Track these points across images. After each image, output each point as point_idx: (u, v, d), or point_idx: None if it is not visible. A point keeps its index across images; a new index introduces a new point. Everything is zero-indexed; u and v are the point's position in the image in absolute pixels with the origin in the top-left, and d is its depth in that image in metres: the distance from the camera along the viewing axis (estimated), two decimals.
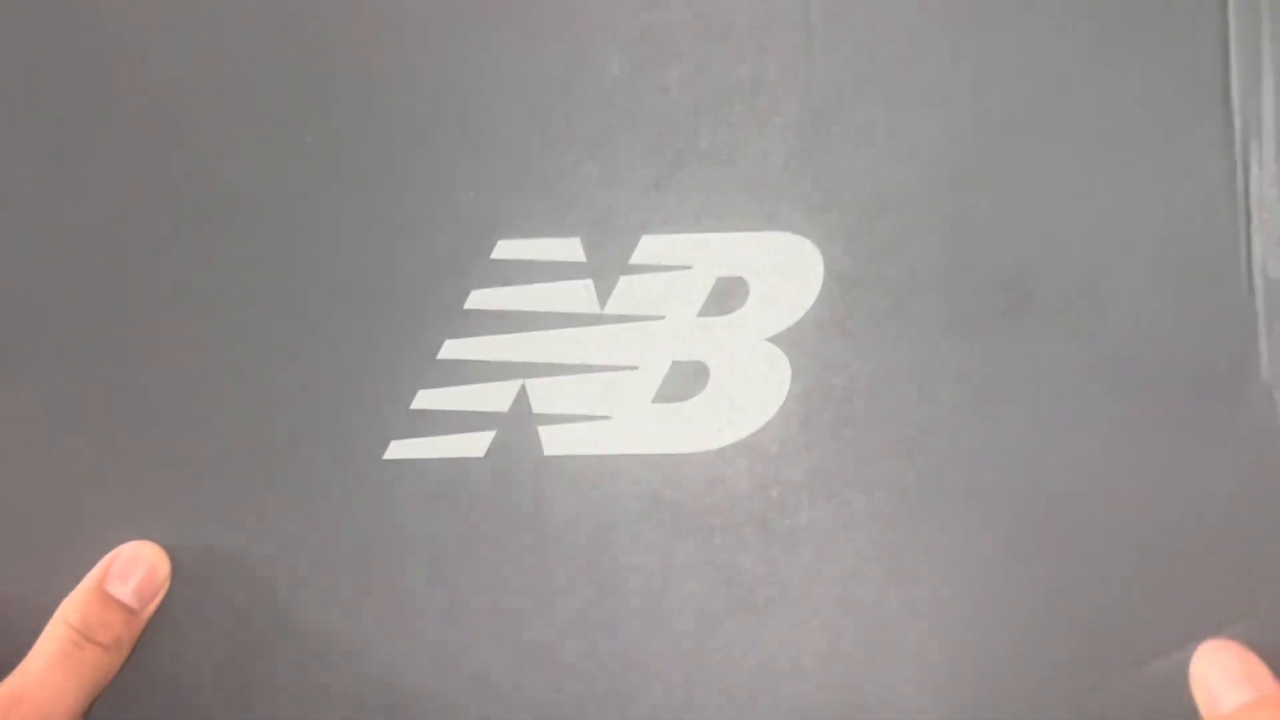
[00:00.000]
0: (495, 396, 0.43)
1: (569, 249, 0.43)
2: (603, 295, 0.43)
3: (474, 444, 0.43)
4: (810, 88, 0.43)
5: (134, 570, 0.43)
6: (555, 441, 0.43)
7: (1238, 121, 0.41)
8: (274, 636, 0.44)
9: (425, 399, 0.43)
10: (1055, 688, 0.41)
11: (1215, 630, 0.40)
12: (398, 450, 0.43)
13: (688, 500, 0.43)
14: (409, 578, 0.44)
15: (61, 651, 0.41)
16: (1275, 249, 0.40)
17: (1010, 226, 0.42)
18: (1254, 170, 0.41)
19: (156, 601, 0.43)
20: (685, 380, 0.43)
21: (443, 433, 0.43)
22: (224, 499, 0.44)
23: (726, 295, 0.43)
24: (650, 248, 0.43)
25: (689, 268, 0.43)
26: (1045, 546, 0.41)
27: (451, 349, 0.43)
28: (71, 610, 0.42)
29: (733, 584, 0.42)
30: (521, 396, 0.43)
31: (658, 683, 0.42)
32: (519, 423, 0.43)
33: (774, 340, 0.43)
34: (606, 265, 0.43)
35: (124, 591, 0.43)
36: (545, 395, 0.43)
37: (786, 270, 0.43)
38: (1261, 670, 0.39)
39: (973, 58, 0.42)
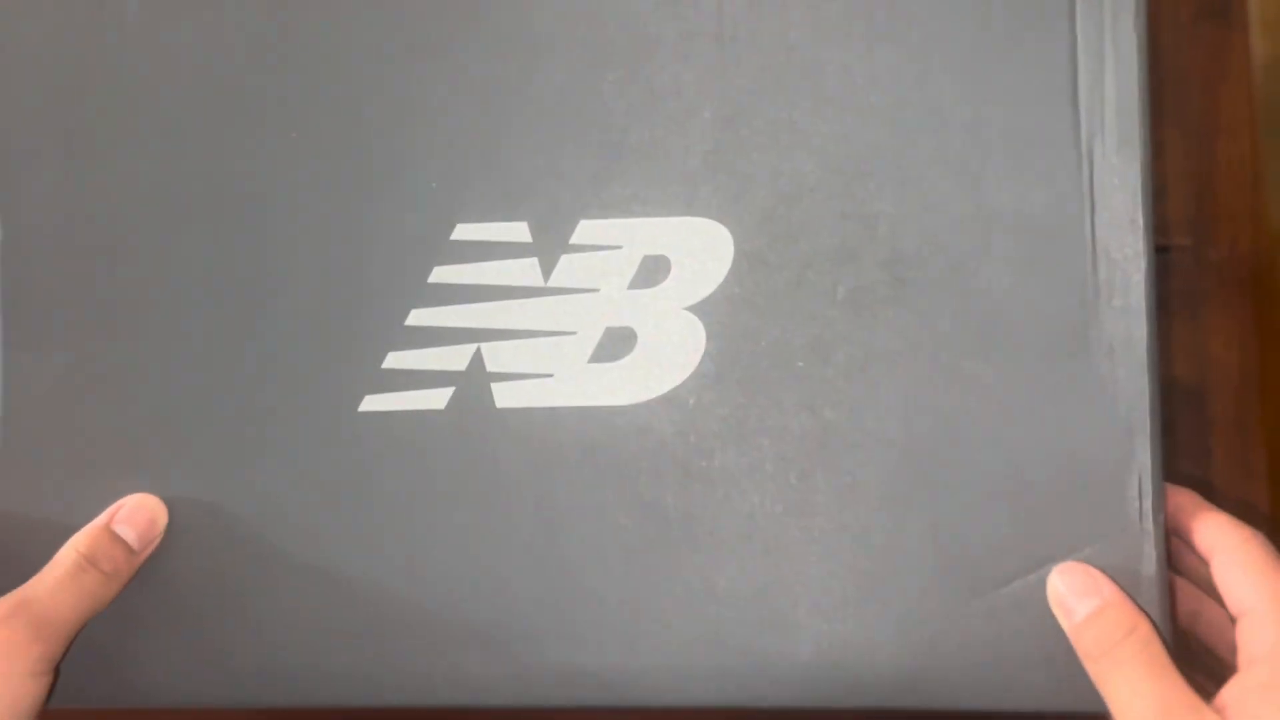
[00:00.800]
0: (454, 357, 0.45)
1: (517, 231, 0.45)
2: (546, 271, 0.45)
3: (436, 398, 0.45)
4: (723, 94, 0.45)
5: (138, 516, 0.46)
6: (506, 396, 0.45)
7: (1084, 121, 0.43)
8: (262, 561, 0.46)
9: (394, 360, 0.46)
10: (929, 605, 0.43)
11: (1065, 555, 0.43)
12: (370, 404, 0.46)
13: (619, 446, 0.45)
14: (378, 513, 0.46)
15: (68, 571, 0.44)
16: (1114, 232, 0.43)
17: (893, 214, 0.44)
18: (1098, 163, 0.43)
19: (152, 547, 0.46)
20: (617, 344, 0.45)
21: (409, 389, 0.45)
22: (221, 445, 0.46)
23: (652, 271, 0.45)
24: (587, 230, 0.45)
25: (620, 248, 0.45)
26: (922, 486, 0.44)
27: (417, 317, 0.46)
28: (81, 540, 0.45)
29: (657, 518, 0.45)
30: (477, 358, 0.45)
31: (593, 603, 0.45)
32: (475, 380, 0.45)
33: (692, 310, 0.45)
34: (550, 245, 0.45)
35: (128, 533, 0.45)
36: (497, 356, 0.45)
37: (703, 250, 0.45)
38: (1104, 581, 0.42)
39: (860, 69, 0.44)
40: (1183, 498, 0.44)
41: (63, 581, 0.44)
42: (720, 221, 0.45)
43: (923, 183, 0.44)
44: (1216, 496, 0.52)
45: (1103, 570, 0.42)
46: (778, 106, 0.45)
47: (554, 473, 0.45)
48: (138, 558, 0.46)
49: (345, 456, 0.46)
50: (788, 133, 0.45)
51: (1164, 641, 0.41)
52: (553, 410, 0.45)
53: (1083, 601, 0.42)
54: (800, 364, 0.44)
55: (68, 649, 0.44)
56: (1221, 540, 0.42)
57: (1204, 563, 0.43)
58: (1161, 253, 0.55)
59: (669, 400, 0.45)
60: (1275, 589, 0.40)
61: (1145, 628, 0.41)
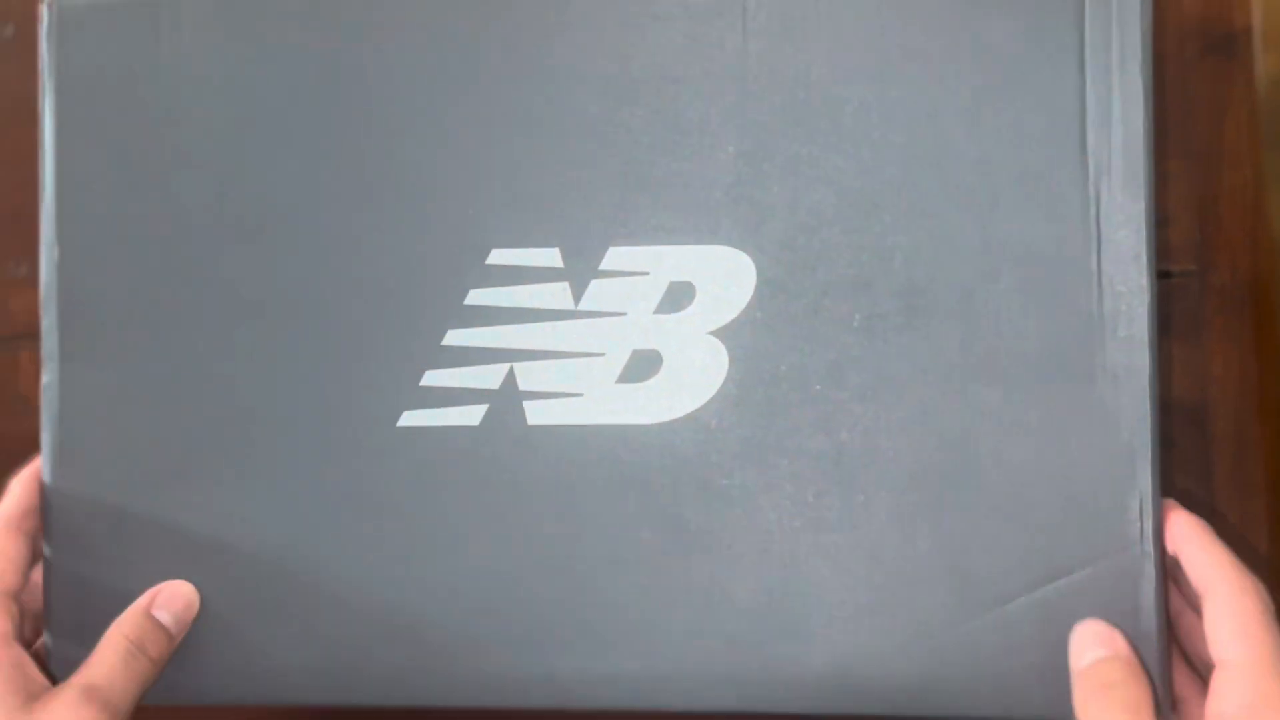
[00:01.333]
0: (488, 376, 0.46)
1: (550, 257, 0.46)
2: (577, 295, 0.46)
3: (471, 415, 0.46)
4: (746, 129, 0.46)
5: (175, 602, 0.47)
6: (537, 414, 0.46)
7: (1091, 163, 0.44)
8: (301, 566, 0.47)
9: (431, 378, 0.47)
10: (936, 618, 0.44)
11: (1068, 572, 0.43)
12: (409, 419, 0.47)
13: (643, 463, 0.46)
14: (413, 523, 0.47)
15: (122, 659, 0.45)
16: (1119, 267, 0.44)
17: (906, 246, 0.45)
18: (1104, 203, 0.44)
19: (184, 632, 0.47)
20: (643, 365, 0.46)
21: (445, 405, 0.46)
22: (265, 457, 0.47)
23: (677, 297, 0.46)
24: (616, 257, 0.46)
25: (647, 274, 0.46)
26: (931, 505, 0.44)
27: (453, 337, 0.47)
28: (127, 626, 0.46)
29: (678, 532, 0.45)
30: (510, 377, 0.46)
31: (614, 613, 0.46)
32: (507, 398, 0.46)
33: (715, 334, 0.46)
34: (580, 271, 0.46)
35: (165, 618, 0.46)
36: (529, 376, 0.46)
37: (726, 277, 0.46)
38: (1119, 638, 0.42)
39: (877, 107, 0.45)
40: (1189, 523, 0.44)
41: (120, 667, 0.45)
42: (743, 250, 0.46)
43: (935, 216, 0.45)
44: (1217, 511, 0.53)
45: (1103, 588, 0.43)
46: (798, 142, 0.46)
47: (581, 487, 0.46)
48: (175, 642, 0.47)
49: (384, 469, 0.47)
50: (807, 167, 0.46)
51: (1156, 704, 0.41)
52: (581, 428, 0.46)
53: (1092, 650, 0.42)
54: (817, 387, 0.45)
55: None
56: (1219, 583, 0.41)
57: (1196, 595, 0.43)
58: (1165, 277, 0.56)
59: (692, 420, 0.46)
60: (1259, 649, 0.39)
61: (1142, 686, 0.41)
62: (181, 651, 0.47)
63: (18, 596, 0.46)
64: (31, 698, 0.43)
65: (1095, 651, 0.42)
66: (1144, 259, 0.44)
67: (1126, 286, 0.44)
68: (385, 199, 0.47)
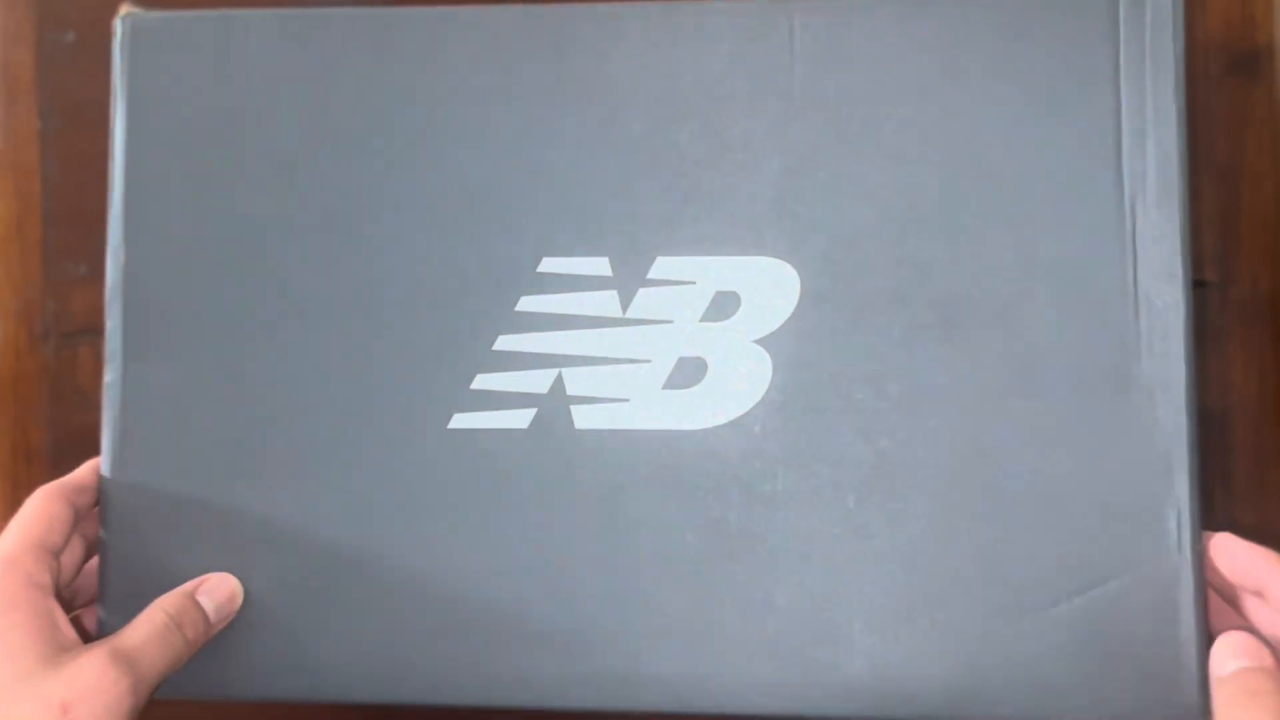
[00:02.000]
0: (538, 381, 0.47)
1: (599, 266, 0.47)
2: (625, 303, 0.47)
3: (520, 418, 0.47)
4: (790, 146, 0.46)
5: (219, 591, 0.47)
6: (584, 418, 0.47)
7: (1126, 180, 0.45)
8: (352, 563, 0.47)
9: (482, 381, 0.47)
10: (974, 625, 0.44)
11: (1106, 580, 0.44)
12: (460, 421, 0.47)
13: (688, 468, 0.46)
14: (462, 523, 0.47)
15: (158, 631, 0.45)
16: (1155, 282, 0.44)
17: (945, 260, 0.45)
18: (1139, 219, 0.45)
19: (224, 623, 0.47)
20: (689, 372, 0.46)
21: (495, 408, 0.47)
22: (319, 455, 0.47)
23: (723, 306, 0.46)
24: (663, 267, 0.47)
25: (693, 283, 0.46)
26: (969, 512, 0.45)
27: (504, 342, 0.47)
28: (168, 603, 0.46)
29: (721, 536, 0.46)
30: (558, 382, 0.47)
31: (659, 613, 0.46)
32: (556, 402, 0.47)
33: (760, 343, 0.46)
34: (628, 280, 0.47)
35: (208, 604, 0.47)
36: (577, 381, 0.47)
37: (771, 288, 0.46)
38: (1266, 652, 0.42)
39: (917, 125, 0.46)
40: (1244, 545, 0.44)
41: (153, 638, 0.45)
42: (787, 262, 0.46)
43: (973, 232, 0.45)
44: (1237, 514, 0.54)
45: (1141, 595, 0.44)
46: (840, 158, 0.46)
47: (626, 491, 0.46)
48: (212, 629, 0.47)
49: (434, 469, 0.47)
50: (849, 182, 0.46)
51: None
52: (627, 432, 0.47)
53: (1236, 660, 0.42)
54: (858, 396, 0.46)
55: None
56: None
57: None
58: None
59: (736, 426, 0.46)
60: None
61: None
62: (229, 646, 0.48)
63: (58, 554, 0.47)
64: (62, 650, 0.44)
65: (1239, 661, 0.42)
66: (1179, 275, 0.45)
67: (1162, 301, 0.45)
68: (442, 208, 0.48)
